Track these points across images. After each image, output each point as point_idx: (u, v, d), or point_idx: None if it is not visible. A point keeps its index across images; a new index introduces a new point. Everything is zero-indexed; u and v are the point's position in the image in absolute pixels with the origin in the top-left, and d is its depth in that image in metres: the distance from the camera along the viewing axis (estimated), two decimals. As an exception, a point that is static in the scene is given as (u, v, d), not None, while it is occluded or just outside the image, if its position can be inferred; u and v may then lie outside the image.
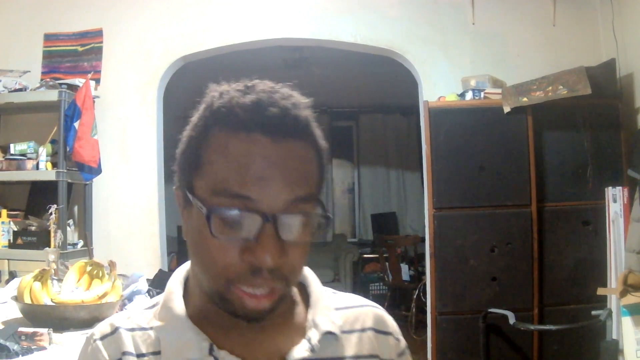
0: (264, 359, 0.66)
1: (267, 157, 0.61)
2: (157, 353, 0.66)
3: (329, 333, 0.69)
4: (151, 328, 0.68)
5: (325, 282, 0.73)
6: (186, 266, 0.74)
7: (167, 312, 0.68)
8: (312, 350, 0.67)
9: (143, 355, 0.66)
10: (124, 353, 0.66)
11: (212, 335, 0.66)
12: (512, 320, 2.71)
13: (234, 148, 0.61)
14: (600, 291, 2.65)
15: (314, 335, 0.68)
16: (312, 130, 0.65)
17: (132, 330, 0.68)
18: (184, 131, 0.68)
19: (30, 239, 3.05)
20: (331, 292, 0.76)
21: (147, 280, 2.17)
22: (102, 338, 0.68)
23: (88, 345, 0.69)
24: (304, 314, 0.72)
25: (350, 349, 0.71)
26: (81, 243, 3.32)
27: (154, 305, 0.71)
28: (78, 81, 3.19)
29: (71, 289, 1.90)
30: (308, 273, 0.75)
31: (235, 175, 0.60)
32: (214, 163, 0.62)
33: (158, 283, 2.16)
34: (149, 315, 0.70)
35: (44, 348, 1.59)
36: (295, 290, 0.73)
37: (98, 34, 3.47)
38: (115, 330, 0.68)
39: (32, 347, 1.58)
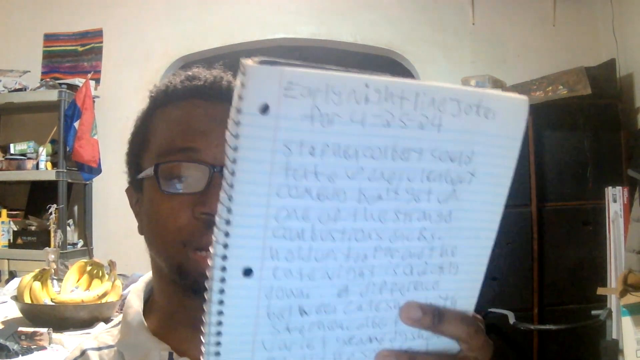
0: None
1: (206, 115, 0.64)
2: None
3: None
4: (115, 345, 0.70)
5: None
6: (144, 279, 0.76)
7: (126, 327, 0.70)
8: None
9: None
10: None
11: (176, 343, 0.66)
12: (512, 320, 2.71)
13: (175, 113, 0.65)
14: (600, 291, 2.65)
15: None
16: None
17: (99, 349, 0.70)
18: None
19: (30, 239, 3.05)
20: None
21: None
22: None
23: None
24: None
25: None
26: (81, 243, 3.33)
27: (118, 323, 0.73)
28: (78, 81, 3.19)
29: (71, 289, 1.90)
30: None
31: (178, 133, 0.63)
32: (158, 132, 0.66)
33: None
34: (114, 332, 0.72)
35: (44, 348, 1.59)
36: None
37: (98, 34, 3.47)
38: (83, 353, 0.70)
39: (32, 347, 1.58)
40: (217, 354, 0.37)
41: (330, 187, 0.35)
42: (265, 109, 0.33)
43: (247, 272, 0.35)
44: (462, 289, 0.43)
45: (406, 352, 0.42)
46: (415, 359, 0.42)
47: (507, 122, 0.41)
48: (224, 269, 0.35)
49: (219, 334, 0.36)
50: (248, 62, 0.32)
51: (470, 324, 0.43)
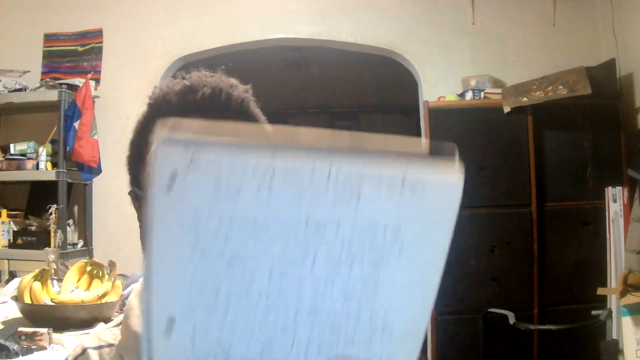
0: None
1: None
2: None
3: None
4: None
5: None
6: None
7: (126, 330, 0.72)
8: None
9: None
10: None
11: None
12: (512, 320, 2.71)
13: None
14: (600, 291, 2.65)
15: None
16: (250, 110, 0.67)
17: (100, 347, 0.73)
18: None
19: (30, 239, 3.05)
20: None
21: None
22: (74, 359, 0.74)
23: None
24: None
25: None
26: (81, 243, 3.32)
27: (120, 322, 0.76)
28: (78, 81, 3.19)
29: (71, 289, 1.90)
30: None
31: None
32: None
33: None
34: (116, 332, 0.74)
35: (44, 348, 1.59)
36: None
37: (98, 34, 3.47)
38: (84, 351, 0.73)
39: (32, 347, 1.58)
40: None
41: (242, 251, 0.36)
42: (174, 178, 0.34)
43: (171, 321, 0.38)
44: (399, 351, 0.41)
45: None
46: None
47: (438, 197, 0.37)
48: (150, 316, 0.37)
49: None
50: (162, 132, 0.34)
51: None
